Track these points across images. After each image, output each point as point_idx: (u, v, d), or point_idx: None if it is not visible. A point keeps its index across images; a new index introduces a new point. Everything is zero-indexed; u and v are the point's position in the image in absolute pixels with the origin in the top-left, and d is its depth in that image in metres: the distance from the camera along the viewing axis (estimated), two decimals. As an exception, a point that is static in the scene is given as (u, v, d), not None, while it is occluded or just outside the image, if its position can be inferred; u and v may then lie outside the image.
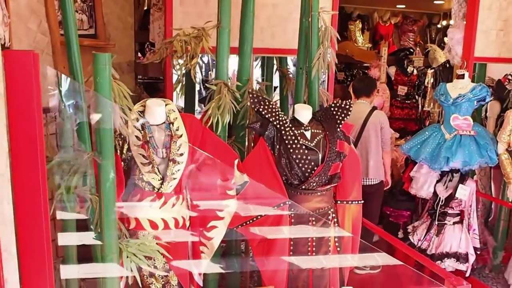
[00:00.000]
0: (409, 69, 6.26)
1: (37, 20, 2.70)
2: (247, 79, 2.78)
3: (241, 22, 2.70)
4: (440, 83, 4.07)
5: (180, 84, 2.87)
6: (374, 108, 4.07)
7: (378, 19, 7.69)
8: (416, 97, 5.81)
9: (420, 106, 5.72)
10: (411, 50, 6.89)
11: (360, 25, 7.54)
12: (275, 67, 3.57)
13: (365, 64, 6.40)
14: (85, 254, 2.08)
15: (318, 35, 2.71)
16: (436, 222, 3.80)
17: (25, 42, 2.66)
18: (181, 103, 3.44)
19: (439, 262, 3.71)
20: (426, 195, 3.92)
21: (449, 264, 3.72)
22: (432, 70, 4.84)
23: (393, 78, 6.35)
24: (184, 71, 2.73)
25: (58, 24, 2.27)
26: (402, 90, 6.05)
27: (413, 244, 3.85)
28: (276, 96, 3.75)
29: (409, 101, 6.13)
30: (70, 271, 2.12)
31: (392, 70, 6.32)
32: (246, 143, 2.93)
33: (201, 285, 2.49)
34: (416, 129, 5.60)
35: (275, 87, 3.73)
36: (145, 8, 4.35)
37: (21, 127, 1.50)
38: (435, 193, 3.84)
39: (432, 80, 4.66)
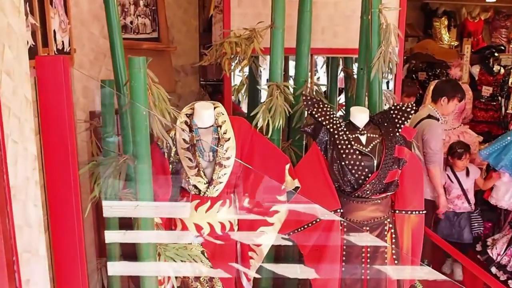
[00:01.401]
0: (496, 68, 5.74)
1: (99, 25, 2.80)
2: (304, 80, 2.69)
3: (298, 22, 2.62)
4: (526, 83, 3.71)
5: (245, 86, 2.85)
6: (428, 116, 3.71)
7: (466, 15, 7.17)
8: (499, 98, 5.32)
9: (503, 109, 5.23)
10: (502, 47, 6.33)
11: (446, 22, 7.08)
12: (340, 67, 3.43)
13: (449, 63, 5.98)
14: (127, 255, 2.11)
15: (379, 33, 2.55)
16: (519, 236, 3.46)
17: (87, 47, 2.76)
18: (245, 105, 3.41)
19: (520, 280, 3.38)
20: (507, 205, 3.63)
21: (532, 284, 3.37)
22: (517, 70, 4.40)
23: (476, 78, 5.87)
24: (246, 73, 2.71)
25: (120, 29, 2.33)
26: (486, 91, 5.56)
27: (492, 259, 3.55)
28: (342, 99, 3.59)
29: (494, 103, 5.64)
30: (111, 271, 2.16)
31: (476, 69, 5.83)
32: (304, 147, 2.82)
33: (250, 291, 2.43)
34: (501, 133, 5.14)
35: (341, 89, 3.57)
36: (211, 11, 4.40)
37: (53, 131, 1.53)
38: (518, 204, 3.51)
39: (516, 80, 4.23)
